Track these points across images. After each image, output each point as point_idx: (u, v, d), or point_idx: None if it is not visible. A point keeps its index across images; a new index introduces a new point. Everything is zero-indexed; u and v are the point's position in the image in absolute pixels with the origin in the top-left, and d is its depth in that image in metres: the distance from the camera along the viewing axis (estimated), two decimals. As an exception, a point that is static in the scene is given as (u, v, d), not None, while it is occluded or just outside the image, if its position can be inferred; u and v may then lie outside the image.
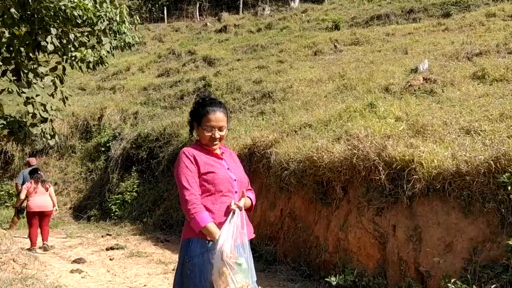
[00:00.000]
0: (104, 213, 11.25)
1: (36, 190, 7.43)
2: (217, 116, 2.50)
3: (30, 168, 8.67)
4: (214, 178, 2.45)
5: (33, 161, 9.78)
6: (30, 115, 5.97)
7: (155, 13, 26.85)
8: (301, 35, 17.25)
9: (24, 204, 7.58)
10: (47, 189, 7.61)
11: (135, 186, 10.89)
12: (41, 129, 6.04)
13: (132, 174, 11.09)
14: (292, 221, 5.83)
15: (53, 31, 5.58)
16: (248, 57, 15.94)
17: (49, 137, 6.07)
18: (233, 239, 2.29)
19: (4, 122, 6.26)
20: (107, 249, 7.32)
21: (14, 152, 13.74)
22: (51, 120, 6.18)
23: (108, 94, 16.48)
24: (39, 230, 7.45)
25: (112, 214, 10.80)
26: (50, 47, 5.55)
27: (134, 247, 7.54)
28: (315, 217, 5.43)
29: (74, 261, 6.45)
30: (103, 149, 12.95)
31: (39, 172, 7.97)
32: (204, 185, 2.44)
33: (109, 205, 10.97)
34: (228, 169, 2.56)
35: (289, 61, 13.74)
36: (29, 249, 6.97)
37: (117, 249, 7.29)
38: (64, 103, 6.37)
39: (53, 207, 7.69)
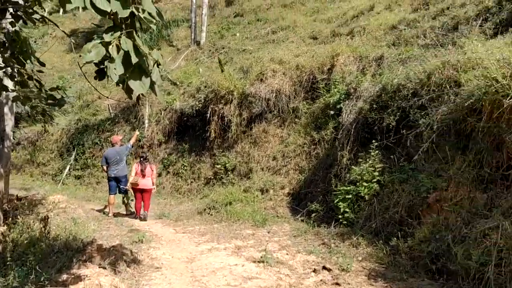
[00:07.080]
0: (329, 210, 7.36)
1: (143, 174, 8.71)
2: None
3: (111, 148, 9.55)
4: None
5: (114, 139, 9.75)
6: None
7: None
8: None
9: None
10: (148, 171, 8.77)
11: (376, 173, 6.49)
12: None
13: (372, 153, 6.72)
14: None
15: None
16: None
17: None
18: None
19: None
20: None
21: (231, 117, 11.22)
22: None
23: (344, 40, 12.38)
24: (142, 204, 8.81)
25: (339, 216, 6.76)
26: None
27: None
28: None
29: None
30: (332, 112, 8.95)
31: (144, 157, 8.96)
32: None
33: (335, 200, 6.96)
34: None
35: None
36: (133, 216, 8.98)
37: None
38: None
39: (153, 185, 8.97)
